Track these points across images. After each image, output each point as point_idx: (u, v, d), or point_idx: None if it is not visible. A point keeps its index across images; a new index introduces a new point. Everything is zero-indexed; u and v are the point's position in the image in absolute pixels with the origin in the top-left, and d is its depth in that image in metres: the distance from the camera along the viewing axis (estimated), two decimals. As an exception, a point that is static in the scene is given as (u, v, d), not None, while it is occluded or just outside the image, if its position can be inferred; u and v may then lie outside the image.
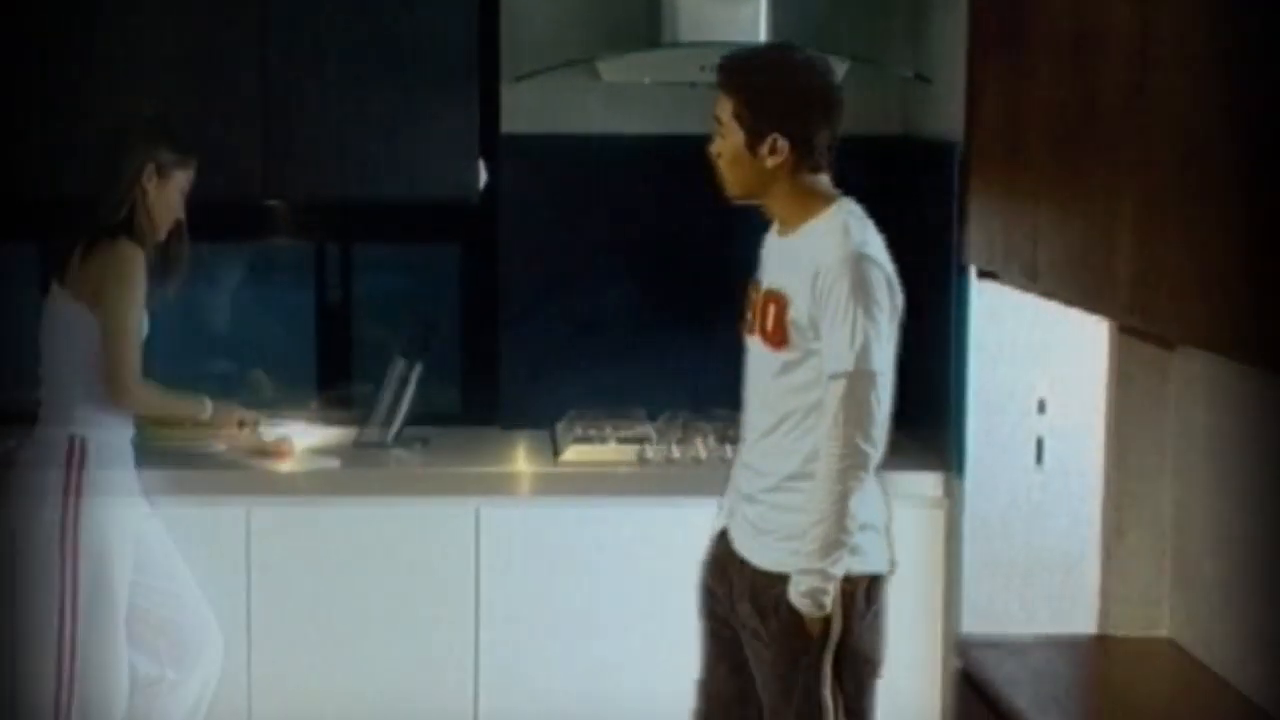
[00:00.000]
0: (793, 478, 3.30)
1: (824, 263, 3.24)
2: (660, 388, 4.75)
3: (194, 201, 4.52)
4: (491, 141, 4.61)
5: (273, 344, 5.13)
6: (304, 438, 4.53)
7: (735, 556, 3.41)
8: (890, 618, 4.22)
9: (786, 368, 3.31)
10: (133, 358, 3.95)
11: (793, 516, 3.27)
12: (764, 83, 3.37)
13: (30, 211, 4.68)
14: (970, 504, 4.16)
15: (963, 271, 4.08)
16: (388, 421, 4.52)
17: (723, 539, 3.49)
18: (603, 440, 4.36)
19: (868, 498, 3.29)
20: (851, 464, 3.20)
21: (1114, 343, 4.03)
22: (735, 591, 3.40)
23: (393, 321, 4.90)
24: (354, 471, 4.32)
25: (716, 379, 4.73)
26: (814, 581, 3.22)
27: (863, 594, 3.31)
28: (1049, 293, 2.50)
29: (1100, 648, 3.04)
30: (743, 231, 4.74)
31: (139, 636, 3.94)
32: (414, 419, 4.56)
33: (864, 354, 3.20)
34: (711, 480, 4.21)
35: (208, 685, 4.04)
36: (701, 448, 4.33)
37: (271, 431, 4.35)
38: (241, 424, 4.20)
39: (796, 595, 3.24)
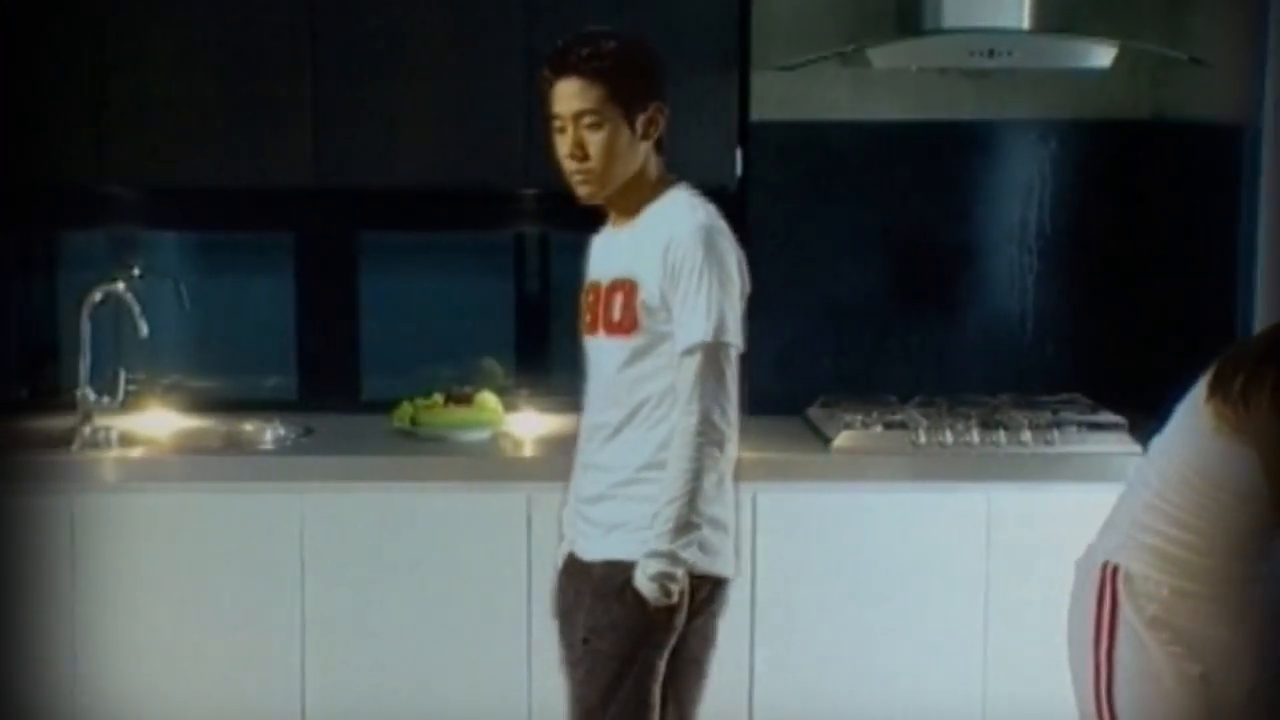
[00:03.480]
0: (646, 468, 3.17)
1: (675, 235, 3.14)
2: (906, 373, 4.78)
3: (454, 191, 4.61)
4: (742, 129, 4.63)
5: (510, 331, 5.17)
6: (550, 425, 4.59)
7: (583, 568, 3.27)
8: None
9: (636, 354, 3.17)
10: None
11: (647, 506, 3.14)
12: (633, 56, 3.24)
13: (288, 202, 4.76)
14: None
15: (1251, 257, 4.07)
16: (645, 408, 4.54)
17: (570, 561, 3.35)
18: (869, 426, 4.36)
19: (723, 495, 3.17)
20: (707, 440, 3.08)
21: None
22: (582, 603, 3.26)
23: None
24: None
25: (963, 364, 4.79)
26: (663, 565, 3.08)
27: (705, 594, 3.19)
28: None
29: None
30: (987, 216, 4.79)
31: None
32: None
33: (720, 326, 3.09)
34: (984, 466, 4.26)
35: None
36: (975, 433, 4.32)
37: None
38: None
39: (644, 580, 3.09)
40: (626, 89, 3.17)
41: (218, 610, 4.19)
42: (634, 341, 3.15)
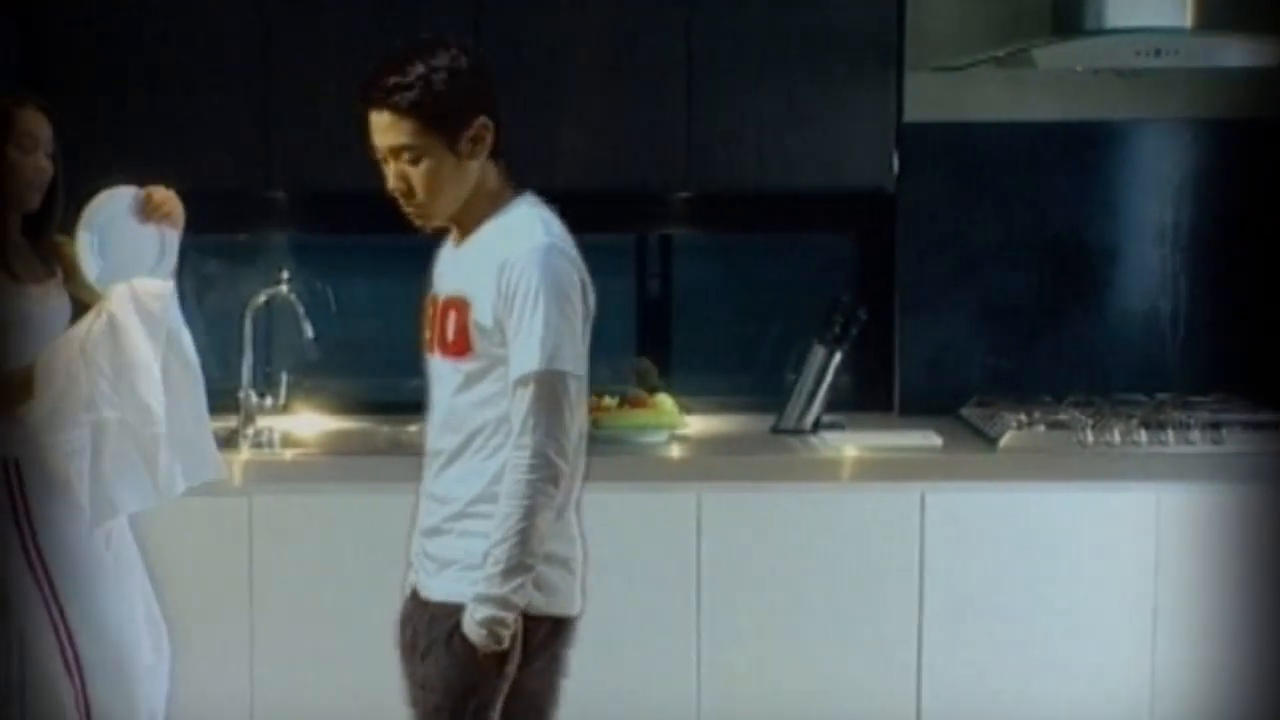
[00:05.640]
0: (479, 501, 2.97)
1: (510, 254, 2.90)
2: (1057, 373, 4.79)
3: (611, 193, 4.62)
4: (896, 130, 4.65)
5: (648, 332, 5.18)
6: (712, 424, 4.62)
7: (420, 606, 3.08)
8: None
9: (470, 379, 2.97)
10: None
11: (478, 543, 2.94)
12: (440, 72, 2.95)
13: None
14: None
15: None
16: (806, 409, 4.57)
17: (414, 595, 3.15)
18: (1031, 426, 4.36)
19: (564, 529, 2.99)
20: (541, 476, 2.87)
21: None
22: (418, 643, 3.07)
23: (788, 310, 4.95)
24: (793, 457, 4.36)
25: (1114, 364, 4.79)
26: (492, 610, 2.89)
27: (545, 634, 3.00)
28: None
29: None
30: (1139, 216, 4.79)
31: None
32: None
33: (555, 353, 2.87)
34: (1153, 465, 4.27)
35: None
36: (1142, 433, 4.32)
37: None
38: None
39: (472, 626, 2.90)
40: (440, 116, 2.94)
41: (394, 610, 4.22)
42: (468, 365, 2.97)
